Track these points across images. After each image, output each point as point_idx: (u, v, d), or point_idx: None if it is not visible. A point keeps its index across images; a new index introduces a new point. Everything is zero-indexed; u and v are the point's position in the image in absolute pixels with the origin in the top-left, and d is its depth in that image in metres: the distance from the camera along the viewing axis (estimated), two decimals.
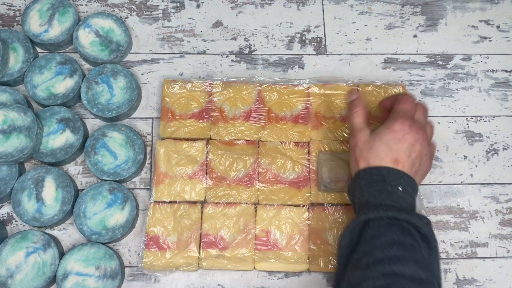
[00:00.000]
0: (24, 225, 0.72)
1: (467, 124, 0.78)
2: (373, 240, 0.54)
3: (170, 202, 0.71)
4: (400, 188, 0.58)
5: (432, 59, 0.82)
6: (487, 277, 0.72)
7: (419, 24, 0.83)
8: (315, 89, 0.77)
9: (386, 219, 0.55)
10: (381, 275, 0.51)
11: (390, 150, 0.60)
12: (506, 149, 0.77)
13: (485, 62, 0.82)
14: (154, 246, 0.69)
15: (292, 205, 0.71)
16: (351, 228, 0.58)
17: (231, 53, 0.81)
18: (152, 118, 0.77)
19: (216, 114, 0.75)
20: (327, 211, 0.71)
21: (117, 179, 0.72)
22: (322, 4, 0.84)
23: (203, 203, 0.72)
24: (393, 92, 0.76)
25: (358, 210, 0.60)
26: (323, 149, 0.73)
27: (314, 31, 0.82)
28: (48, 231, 0.71)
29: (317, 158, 0.73)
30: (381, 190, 0.58)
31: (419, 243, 0.55)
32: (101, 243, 0.69)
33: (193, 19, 0.83)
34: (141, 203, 0.73)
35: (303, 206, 0.71)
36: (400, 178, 0.59)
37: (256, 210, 0.71)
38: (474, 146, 0.77)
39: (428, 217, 0.72)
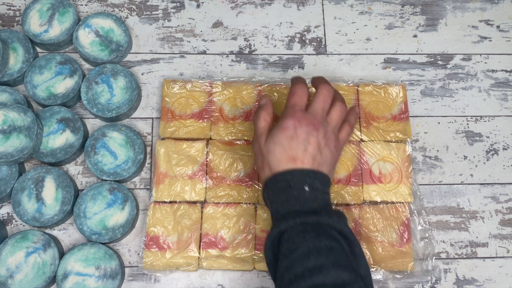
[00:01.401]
0: (24, 225, 0.72)
1: (467, 124, 0.78)
2: (291, 254, 0.53)
3: (170, 202, 0.71)
4: (306, 188, 0.56)
5: (432, 59, 0.82)
6: (487, 277, 0.72)
7: (419, 24, 0.83)
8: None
9: (299, 227, 0.54)
10: None
11: (285, 150, 0.58)
12: (506, 149, 0.78)
13: (485, 62, 0.82)
14: (154, 246, 0.69)
15: None
16: (269, 244, 0.56)
17: (231, 53, 0.81)
18: (152, 118, 0.77)
19: (216, 114, 0.75)
20: None
21: (117, 179, 0.72)
22: (322, 4, 0.84)
23: (203, 203, 0.72)
24: (393, 92, 0.77)
25: (273, 221, 0.58)
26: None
27: (314, 31, 0.82)
28: (48, 231, 0.71)
29: None
30: (288, 198, 0.56)
31: (337, 239, 0.54)
32: (101, 243, 0.69)
33: (193, 19, 0.83)
34: (141, 203, 0.73)
35: None
36: (305, 177, 0.57)
37: (256, 210, 0.71)
38: (474, 146, 0.77)
39: (429, 217, 0.73)
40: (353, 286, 0.51)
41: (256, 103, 0.76)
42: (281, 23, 0.83)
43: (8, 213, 0.72)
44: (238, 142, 0.74)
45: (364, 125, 0.75)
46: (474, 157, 0.77)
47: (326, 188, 0.59)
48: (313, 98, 0.62)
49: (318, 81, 0.64)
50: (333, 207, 0.71)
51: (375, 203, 0.72)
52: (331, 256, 0.52)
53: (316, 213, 0.55)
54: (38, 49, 0.79)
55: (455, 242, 0.73)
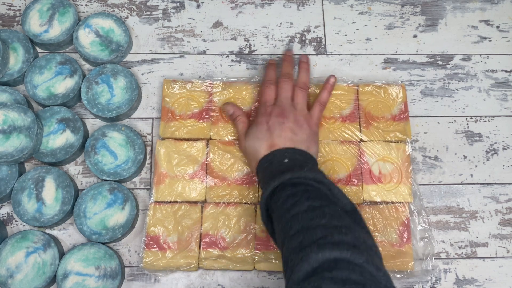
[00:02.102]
0: (24, 225, 0.72)
1: (467, 124, 0.79)
2: (275, 204, 0.60)
3: (170, 202, 0.71)
4: (285, 160, 0.64)
5: (432, 59, 0.82)
6: (487, 277, 0.72)
7: (419, 24, 0.83)
8: (315, 89, 0.77)
9: (280, 187, 0.60)
10: (286, 224, 0.57)
11: (263, 141, 0.67)
12: (506, 149, 0.78)
13: (485, 62, 0.82)
14: (155, 246, 0.69)
15: None
16: (263, 211, 0.62)
17: (231, 53, 0.81)
18: (152, 118, 0.77)
19: (216, 114, 0.75)
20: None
21: (117, 179, 0.72)
22: (322, 4, 0.84)
23: (204, 203, 0.72)
24: (393, 92, 0.77)
25: (262, 191, 0.65)
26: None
27: (314, 31, 0.82)
28: (48, 231, 0.71)
29: None
30: (271, 170, 0.64)
31: (312, 185, 0.60)
32: (101, 243, 0.69)
33: (193, 19, 0.83)
34: (141, 203, 0.73)
35: None
36: (284, 153, 0.65)
37: (256, 210, 0.71)
38: (474, 146, 0.78)
39: (429, 217, 0.73)
40: (324, 208, 0.57)
41: (257, 103, 0.76)
42: (281, 23, 0.83)
43: (8, 213, 0.72)
44: (238, 142, 0.74)
45: (364, 125, 0.75)
46: (474, 157, 0.77)
47: (307, 158, 0.66)
48: (278, 90, 0.71)
49: (283, 71, 0.74)
50: None
51: (375, 203, 0.72)
52: (305, 195, 0.59)
53: (290, 171, 0.61)
54: (38, 49, 0.79)
55: (455, 242, 0.73)
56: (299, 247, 0.53)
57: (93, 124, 0.77)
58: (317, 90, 0.76)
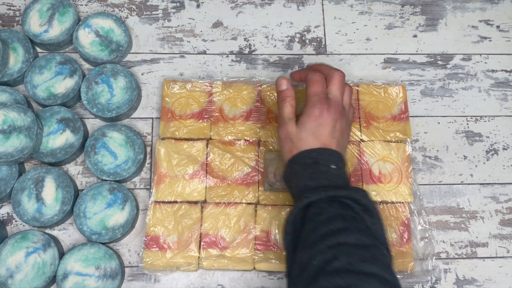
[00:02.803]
0: (24, 225, 0.72)
1: (467, 124, 0.78)
2: (317, 217, 0.56)
3: (170, 202, 0.71)
4: (333, 166, 0.61)
5: (432, 59, 0.82)
6: (487, 277, 0.72)
7: (419, 24, 0.83)
8: None
9: (327, 199, 0.57)
10: (327, 248, 0.53)
11: (316, 137, 0.62)
12: (506, 149, 0.78)
13: (485, 62, 0.82)
14: (155, 246, 0.69)
15: (292, 206, 0.71)
16: (294, 213, 0.58)
17: (231, 53, 0.81)
18: (152, 118, 0.77)
19: (216, 114, 0.75)
20: None
21: (117, 179, 0.72)
22: (322, 4, 0.84)
23: (204, 203, 0.72)
24: (393, 92, 0.77)
25: (299, 195, 0.61)
26: (270, 148, 0.74)
27: (314, 31, 0.82)
28: (48, 231, 0.71)
29: (263, 158, 0.73)
30: (316, 172, 0.60)
31: (360, 214, 0.57)
32: (101, 243, 0.69)
33: (193, 19, 0.83)
34: (141, 203, 0.73)
35: None
36: (330, 156, 0.61)
37: (256, 210, 0.71)
38: (474, 146, 0.77)
39: (429, 217, 0.73)
40: (373, 249, 0.53)
41: (257, 103, 0.76)
42: (281, 23, 0.83)
43: (8, 213, 0.72)
44: (238, 142, 0.74)
45: (364, 125, 0.75)
46: (474, 157, 0.77)
47: (344, 167, 0.63)
48: (331, 84, 0.65)
49: (328, 68, 0.68)
50: None
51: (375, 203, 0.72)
52: (354, 223, 0.55)
53: (344, 188, 0.59)
54: (38, 49, 0.79)
55: (455, 242, 0.73)
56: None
57: (93, 124, 0.77)
58: None
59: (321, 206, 0.57)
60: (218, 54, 0.81)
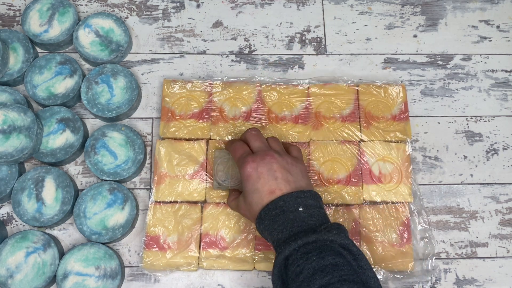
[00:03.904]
0: (24, 225, 0.72)
1: (467, 124, 0.78)
2: (297, 277, 0.53)
3: (170, 202, 0.71)
4: (300, 209, 0.58)
5: (432, 59, 0.82)
6: (487, 277, 0.72)
7: (419, 24, 0.83)
8: (315, 89, 0.77)
9: (301, 249, 0.54)
10: None
11: (260, 192, 0.60)
12: (506, 149, 0.78)
13: (485, 62, 0.82)
14: (155, 246, 0.69)
15: None
16: (276, 271, 0.56)
17: (231, 53, 0.81)
18: (152, 118, 0.77)
19: (216, 114, 0.75)
20: (327, 212, 0.71)
21: (117, 179, 0.72)
22: (322, 4, 0.84)
23: (204, 203, 0.72)
24: (393, 92, 0.77)
25: (275, 249, 0.58)
26: (220, 147, 0.73)
27: (314, 31, 0.82)
28: (48, 231, 0.71)
29: (213, 156, 0.72)
30: (284, 222, 0.57)
31: (341, 253, 0.54)
32: (101, 243, 0.69)
33: (193, 19, 0.83)
34: (141, 203, 0.73)
35: None
36: (295, 199, 0.58)
37: None
38: (474, 146, 0.77)
39: (429, 217, 0.73)
40: None
41: (257, 103, 0.75)
42: (281, 23, 0.83)
43: (8, 213, 0.72)
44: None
45: (364, 125, 0.75)
46: (474, 157, 0.77)
47: (319, 203, 0.60)
48: (249, 142, 0.65)
49: (244, 134, 0.67)
50: (333, 207, 0.71)
51: (375, 203, 0.72)
52: (336, 273, 0.52)
53: (315, 231, 0.55)
54: (38, 49, 0.79)
55: (455, 242, 0.73)
56: None
57: (93, 124, 0.77)
58: (317, 90, 0.76)
59: (298, 262, 0.53)
60: (218, 54, 0.81)
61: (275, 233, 0.58)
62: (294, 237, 0.55)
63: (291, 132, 0.74)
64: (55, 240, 0.70)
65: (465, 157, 0.77)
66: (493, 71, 0.81)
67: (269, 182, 0.60)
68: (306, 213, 0.57)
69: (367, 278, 0.54)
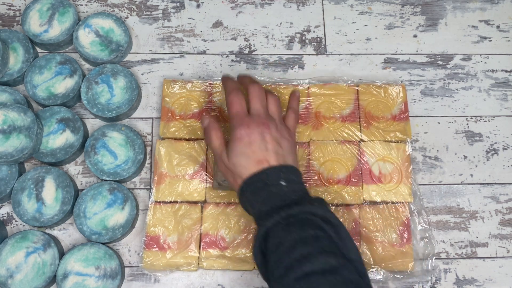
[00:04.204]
0: (24, 225, 0.72)
1: (467, 124, 0.78)
2: (277, 249, 0.53)
3: (170, 202, 0.71)
4: (283, 183, 0.58)
5: (432, 59, 0.82)
6: (487, 277, 0.72)
7: (419, 24, 0.83)
8: (315, 89, 0.77)
9: (283, 222, 0.55)
10: (295, 281, 0.50)
11: (249, 157, 0.60)
12: (506, 149, 0.78)
13: (485, 62, 0.82)
14: (155, 246, 0.69)
15: None
16: (257, 245, 0.56)
17: (231, 53, 0.81)
18: (152, 118, 0.77)
19: (216, 114, 0.75)
20: None
21: (117, 179, 0.72)
22: (322, 4, 0.84)
23: (204, 203, 0.72)
24: (393, 92, 0.77)
25: (256, 222, 0.59)
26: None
27: (314, 31, 0.82)
28: (48, 231, 0.71)
29: (213, 156, 0.72)
30: (268, 195, 0.58)
31: (321, 226, 0.54)
32: (101, 243, 0.69)
33: (193, 19, 0.83)
34: (141, 203, 0.73)
35: None
36: (279, 173, 0.59)
37: None
38: (474, 146, 0.77)
39: (429, 217, 0.73)
40: (342, 270, 0.51)
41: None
42: (281, 23, 0.83)
43: (8, 213, 0.72)
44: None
45: (364, 125, 0.75)
46: (474, 157, 0.77)
47: (300, 179, 0.61)
48: (249, 100, 0.64)
49: (245, 82, 0.66)
50: (333, 207, 0.71)
51: (375, 203, 0.72)
52: (317, 244, 0.52)
53: (297, 203, 0.56)
54: (38, 49, 0.79)
55: (455, 242, 0.73)
56: None
57: (93, 124, 0.77)
58: (317, 90, 0.76)
59: (279, 234, 0.54)
60: (218, 54, 0.81)
61: (257, 206, 0.58)
62: (277, 210, 0.56)
63: None
64: (55, 240, 0.70)
65: (465, 157, 0.77)
66: (493, 71, 0.81)
67: (259, 151, 0.60)
68: (289, 187, 0.58)
69: (348, 250, 0.54)
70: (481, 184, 0.76)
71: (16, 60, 0.76)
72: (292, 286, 0.50)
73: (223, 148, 0.63)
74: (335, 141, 0.74)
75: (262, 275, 0.57)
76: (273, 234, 0.55)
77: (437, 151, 0.77)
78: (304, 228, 0.54)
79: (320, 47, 0.82)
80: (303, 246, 0.52)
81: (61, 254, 0.69)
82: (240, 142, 0.61)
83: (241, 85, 0.67)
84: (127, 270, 0.70)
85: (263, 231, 0.56)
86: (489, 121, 0.79)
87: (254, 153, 0.60)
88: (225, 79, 0.68)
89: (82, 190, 0.72)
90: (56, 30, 0.77)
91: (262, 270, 0.57)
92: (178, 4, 0.83)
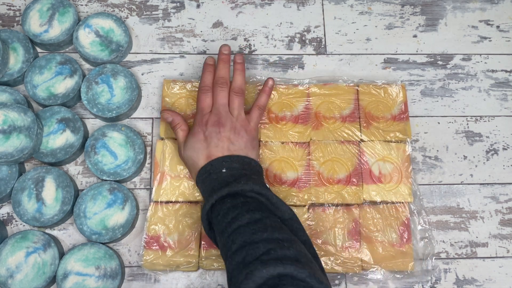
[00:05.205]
0: (24, 225, 0.72)
1: (467, 124, 0.79)
2: (216, 219, 0.61)
3: (171, 201, 0.71)
4: (223, 170, 0.64)
5: (432, 59, 0.82)
6: (487, 277, 0.72)
7: (419, 24, 0.83)
8: (315, 89, 0.77)
9: (219, 201, 0.61)
10: (227, 237, 0.57)
11: (200, 152, 0.66)
12: (506, 149, 0.78)
13: (485, 62, 0.82)
14: (155, 245, 0.69)
15: (292, 205, 0.71)
16: (205, 224, 0.63)
17: (231, 53, 0.81)
18: (152, 118, 0.77)
19: None
20: (327, 211, 0.71)
21: (117, 179, 0.72)
22: (322, 4, 0.84)
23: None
24: (393, 92, 0.77)
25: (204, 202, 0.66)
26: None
27: (314, 31, 0.82)
28: (48, 231, 0.71)
29: None
30: (210, 183, 0.64)
31: (251, 196, 0.61)
32: (101, 243, 0.69)
33: (193, 19, 0.83)
34: (141, 203, 0.73)
35: (304, 206, 0.71)
36: (221, 162, 0.64)
37: None
38: (474, 146, 0.78)
39: (429, 217, 0.73)
40: (265, 220, 0.57)
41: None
42: (281, 23, 0.83)
43: (8, 213, 0.72)
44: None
45: (364, 125, 0.75)
46: (474, 157, 0.77)
47: (245, 165, 0.65)
48: (213, 97, 0.69)
49: (217, 75, 0.71)
50: (333, 207, 0.71)
51: (375, 203, 0.72)
52: (245, 207, 0.59)
53: (227, 185, 0.62)
54: (38, 49, 0.79)
55: (455, 242, 0.73)
56: (242, 263, 0.54)
57: (93, 124, 0.77)
58: (317, 90, 0.76)
59: (216, 208, 0.61)
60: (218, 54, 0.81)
61: (204, 194, 0.65)
62: (213, 191, 0.62)
63: (291, 132, 0.74)
64: (55, 240, 0.70)
65: (465, 157, 0.77)
66: (493, 71, 0.81)
67: (210, 148, 0.66)
68: (228, 173, 0.64)
69: (282, 212, 0.61)
70: (481, 184, 0.76)
71: (16, 60, 0.76)
72: (226, 243, 0.57)
73: (184, 140, 0.69)
74: (335, 141, 0.74)
75: (211, 239, 0.64)
76: (213, 210, 0.62)
77: (437, 151, 0.77)
78: (235, 198, 0.60)
79: (320, 47, 0.82)
80: (233, 211, 0.59)
81: (61, 254, 0.69)
82: (196, 137, 0.67)
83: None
84: (127, 270, 0.70)
85: (204, 213, 0.62)
86: (489, 121, 0.79)
87: (206, 149, 0.66)
88: (206, 68, 0.72)
89: (82, 190, 0.72)
90: (56, 30, 0.77)
91: (211, 235, 0.64)
92: (178, 4, 0.83)
